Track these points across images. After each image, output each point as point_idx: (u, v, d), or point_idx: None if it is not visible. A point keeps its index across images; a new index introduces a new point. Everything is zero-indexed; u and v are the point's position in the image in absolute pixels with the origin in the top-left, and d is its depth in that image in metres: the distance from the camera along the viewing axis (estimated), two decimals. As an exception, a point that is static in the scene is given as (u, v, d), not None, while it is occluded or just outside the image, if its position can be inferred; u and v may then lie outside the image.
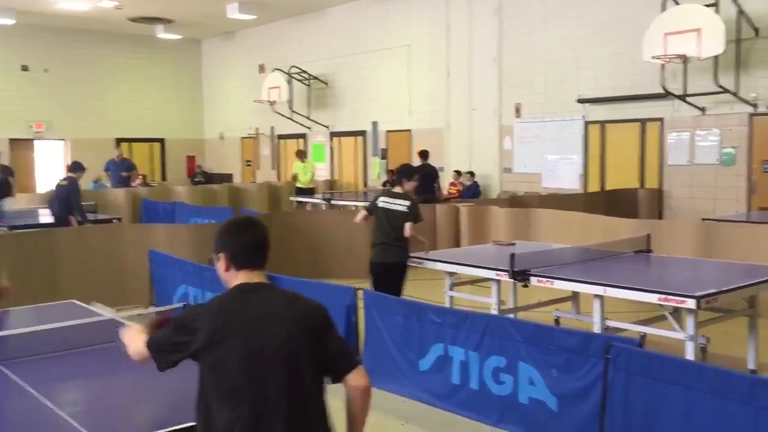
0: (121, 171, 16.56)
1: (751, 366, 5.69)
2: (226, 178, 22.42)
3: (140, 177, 18.49)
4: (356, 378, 2.55)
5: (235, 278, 2.58)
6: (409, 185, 6.83)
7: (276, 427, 2.35)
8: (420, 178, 11.42)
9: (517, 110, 15.07)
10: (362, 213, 7.12)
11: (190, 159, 24.45)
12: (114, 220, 11.77)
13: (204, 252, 8.19)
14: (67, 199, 10.68)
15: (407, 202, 6.66)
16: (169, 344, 2.51)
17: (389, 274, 6.64)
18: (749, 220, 9.47)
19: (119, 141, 21.97)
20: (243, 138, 22.92)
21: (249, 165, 22.87)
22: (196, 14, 19.96)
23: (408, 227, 6.56)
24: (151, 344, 2.57)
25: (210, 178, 22.60)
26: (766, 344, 6.09)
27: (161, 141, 23.90)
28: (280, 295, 2.58)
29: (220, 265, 2.63)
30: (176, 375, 3.42)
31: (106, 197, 15.10)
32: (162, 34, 21.36)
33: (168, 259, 7.82)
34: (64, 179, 11.14)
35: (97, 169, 17.23)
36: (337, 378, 2.56)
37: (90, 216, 11.41)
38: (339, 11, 19.17)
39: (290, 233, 10.16)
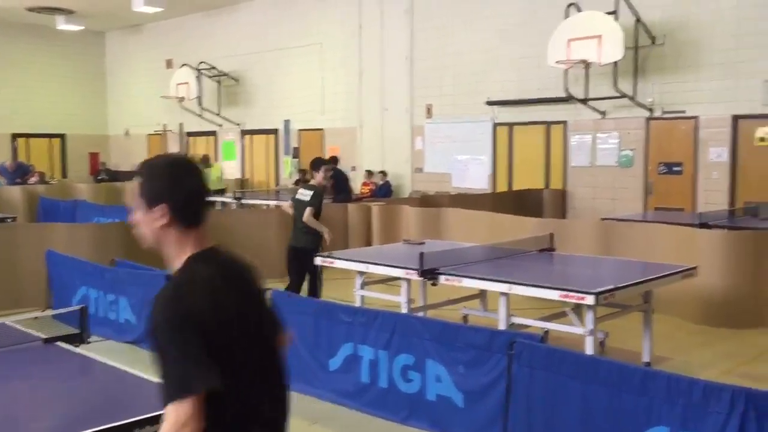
0: (16, 178, 15.75)
1: (645, 359, 5.96)
2: (132, 175, 21.61)
3: (37, 174, 17.62)
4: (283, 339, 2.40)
5: (186, 240, 2.07)
6: (318, 176, 7.47)
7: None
8: (335, 181, 11.74)
9: (429, 111, 15.27)
10: (287, 203, 7.92)
11: (94, 156, 23.51)
12: (8, 220, 11.17)
13: (107, 252, 7.89)
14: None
15: (311, 192, 7.36)
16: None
17: (299, 257, 7.23)
18: (645, 219, 9.93)
19: (15, 136, 20.87)
20: (150, 135, 22.24)
21: (156, 162, 22.17)
22: (99, 5, 19.20)
23: (306, 212, 7.20)
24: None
25: (115, 175, 21.80)
26: (660, 338, 6.41)
27: (62, 137, 22.87)
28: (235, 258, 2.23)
29: (155, 221, 2.06)
30: (76, 381, 3.27)
31: (-1, 195, 14.33)
32: (63, 25, 20.42)
33: (67, 260, 7.48)
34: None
35: (-10, 166, 16.32)
36: None
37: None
38: (250, 7, 18.88)
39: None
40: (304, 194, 7.40)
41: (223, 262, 2.15)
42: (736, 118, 11.17)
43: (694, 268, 6.06)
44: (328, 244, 7.23)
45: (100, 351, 3.93)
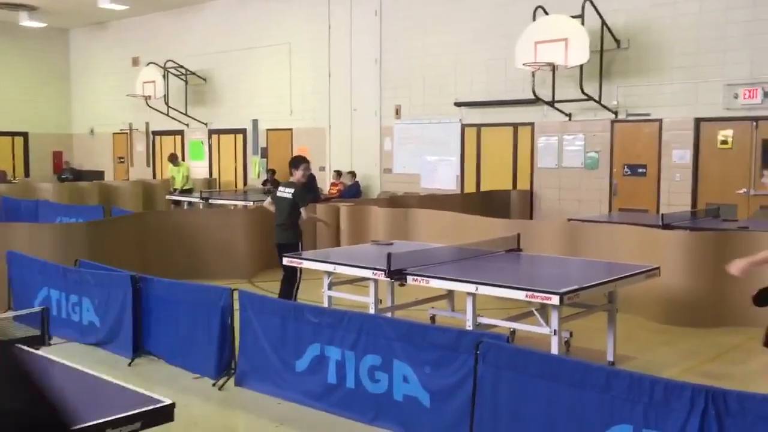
0: None
1: (609, 358, 6.04)
2: (97, 175, 21.36)
3: (-2, 173, 17.28)
4: None
5: None
6: (298, 174, 7.68)
7: None
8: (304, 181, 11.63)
9: (397, 112, 15.30)
10: (268, 200, 8.07)
11: (57, 155, 23.11)
12: (-32, 220, 10.92)
13: (70, 252, 7.75)
14: None
15: (292, 189, 7.58)
16: None
17: (281, 253, 7.29)
18: (610, 220, 10.08)
19: (-24, 134, 20.42)
20: (115, 134, 21.94)
21: (122, 162, 21.91)
22: (63, 2, 18.88)
23: (303, 212, 7.47)
24: None
25: (79, 175, 21.49)
26: (623, 337, 6.50)
27: (24, 135, 22.43)
28: None
29: None
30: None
31: (-41, 194, 14.00)
32: (26, 21, 20.03)
33: (28, 260, 7.33)
34: None
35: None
36: None
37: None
38: (217, 6, 18.73)
39: (165, 233, 9.82)
40: (285, 192, 7.62)
41: None
42: (698, 121, 11.39)
43: (657, 268, 6.16)
44: (329, 227, 7.76)
45: (62, 353, 3.87)
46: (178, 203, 15.24)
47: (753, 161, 10.92)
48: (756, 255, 4.55)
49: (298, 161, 7.85)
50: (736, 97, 10.94)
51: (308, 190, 14.09)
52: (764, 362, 5.86)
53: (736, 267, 4.47)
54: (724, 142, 11.19)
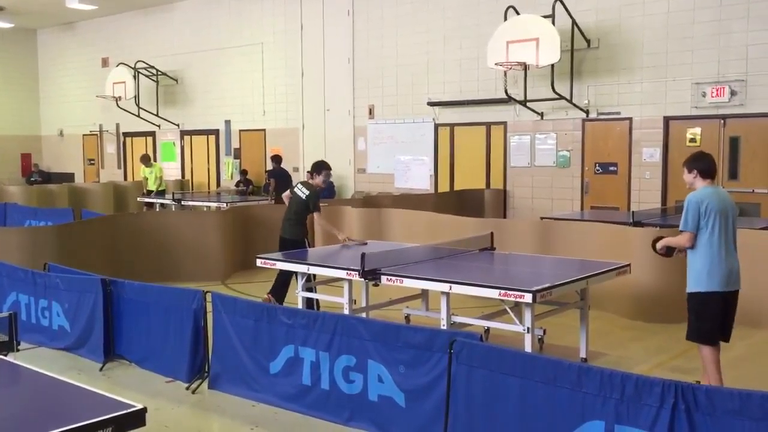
0: None
1: (582, 354, 6.10)
2: (67, 177, 21.07)
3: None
4: None
5: None
6: (318, 179, 7.77)
7: None
8: (277, 182, 11.80)
9: (371, 111, 15.31)
10: (286, 193, 8.09)
11: (25, 157, 22.74)
12: (-66, 224, 10.71)
13: (39, 256, 7.63)
14: None
15: (308, 192, 7.69)
16: None
17: (287, 248, 7.46)
18: (582, 218, 10.17)
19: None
20: (85, 135, 21.65)
21: (92, 164, 21.64)
22: (30, 2, 18.58)
23: (315, 217, 7.68)
24: None
25: (48, 177, 21.18)
26: (596, 334, 6.57)
27: (-9, 137, 22.06)
28: None
29: None
30: (5, 391, 3.16)
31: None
32: (-9, 21, 19.71)
33: (-4, 265, 7.20)
34: None
35: None
36: None
37: None
38: (188, 5, 18.58)
39: (137, 236, 9.71)
40: (303, 191, 7.75)
41: None
42: (667, 120, 11.55)
43: (628, 265, 6.24)
44: (343, 241, 7.59)
45: (31, 359, 3.81)
46: (150, 205, 15.08)
47: (721, 159, 11.09)
48: (677, 242, 5.28)
49: (320, 166, 7.85)
50: (703, 95, 11.12)
51: (281, 190, 14.11)
52: (730, 357, 5.97)
53: (663, 245, 5.33)
54: (693, 140, 11.36)
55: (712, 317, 5.07)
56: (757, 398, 3.22)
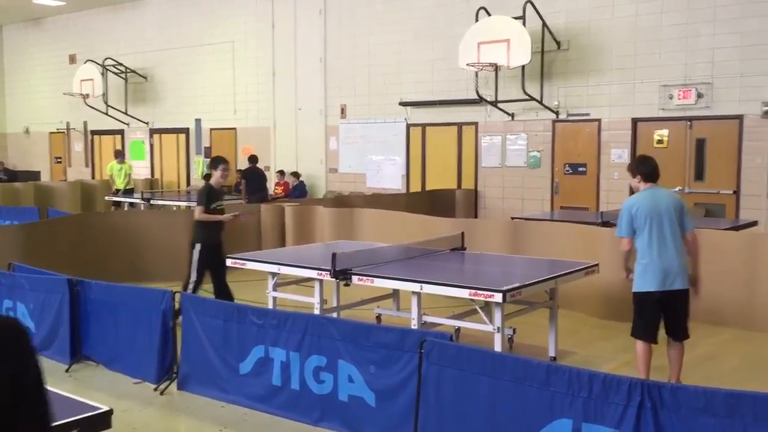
0: None
1: (551, 353, 6.16)
2: (33, 175, 20.69)
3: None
4: None
5: None
6: (215, 174, 7.42)
7: None
8: (248, 182, 11.64)
9: (343, 111, 15.28)
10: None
11: (-10, 155, 22.29)
12: None
13: (4, 256, 7.48)
14: None
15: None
16: None
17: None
18: (552, 218, 10.26)
19: None
20: (52, 133, 21.30)
21: (59, 162, 21.29)
22: (-5, -4, 18.24)
23: (195, 212, 7.34)
24: None
25: (14, 175, 20.76)
26: (565, 333, 6.63)
27: (-45, 134, 21.59)
28: None
29: None
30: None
31: None
32: (-45, 16, 19.29)
33: (-41, 265, 7.05)
34: None
35: None
36: None
37: None
38: (157, 2, 18.36)
39: (104, 235, 9.57)
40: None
41: None
42: (635, 121, 11.71)
43: (596, 264, 6.31)
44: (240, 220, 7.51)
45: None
46: (118, 204, 14.87)
47: (687, 160, 11.28)
48: (623, 257, 5.44)
49: (215, 161, 7.58)
50: (671, 97, 11.28)
51: (254, 190, 14.05)
52: (695, 355, 6.06)
53: (627, 273, 5.43)
54: (660, 141, 11.52)
55: (646, 316, 5.22)
56: (722, 396, 3.28)
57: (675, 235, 5.22)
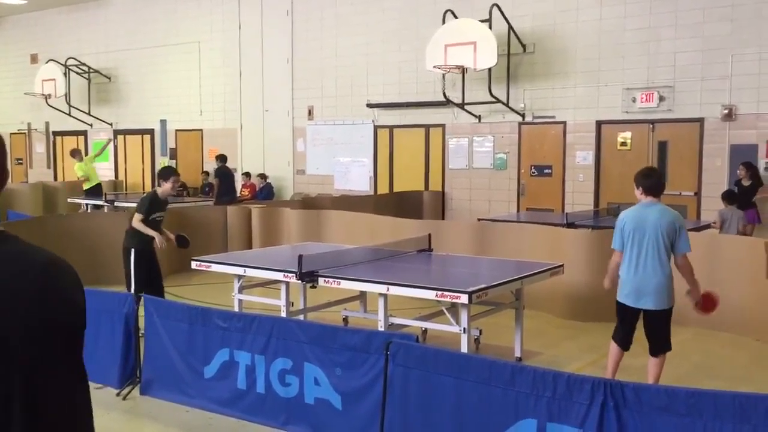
0: None
1: (517, 354, 6.20)
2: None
3: None
4: None
5: None
6: (165, 185, 7.10)
7: None
8: (221, 181, 11.49)
9: (310, 112, 15.22)
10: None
11: (-52, 156, 21.73)
12: None
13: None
14: None
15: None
16: None
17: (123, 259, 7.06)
18: (518, 220, 10.34)
19: None
20: (13, 134, 20.83)
21: (20, 163, 20.86)
22: (-47, -6, 17.81)
23: (134, 218, 6.99)
24: None
25: (-28, 177, 20.26)
26: (530, 334, 6.68)
27: None
28: None
29: None
30: None
31: None
32: None
33: None
34: None
35: None
36: None
37: None
38: (122, 1, 18.11)
39: (66, 238, 9.39)
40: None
41: None
42: (599, 124, 11.87)
43: (561, 265, 6.37)
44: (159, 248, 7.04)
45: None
46: (97, 193, 14.46)
47: (650, 162, 11.46)
48: (610, 268, 5.43)
49: (164, 173, 7.27)
50: (633, 100, 11.47)
51: (224, 192, 13.93)
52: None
53: (607, 283, 5.49)
54: (624, 143, 11.70)
55: (620, 322, 5.35)
56: (682, 395, 3.33)
57: (657, 254, 5.01)
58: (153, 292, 6.94)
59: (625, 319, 5.30)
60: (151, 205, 7.05)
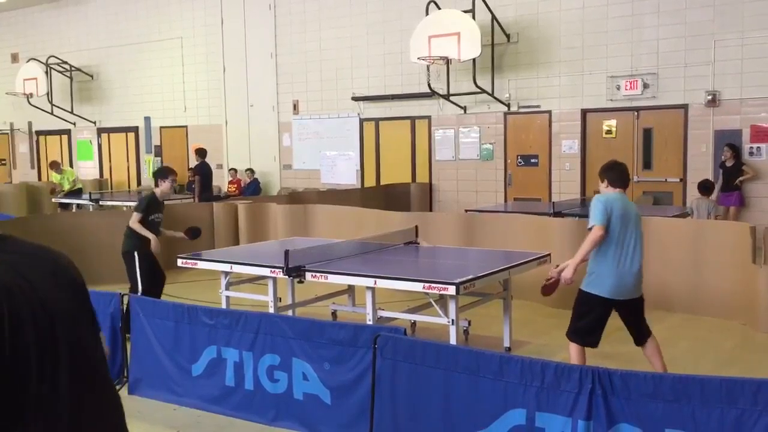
0: None
1: (506, 344, 6.20)
2: (-25, 178, 20.05)
3: None
4: None
5: None
6: (163, 185, 7.11)
7: None
8: (203, 178, 11.35)
9: (295, 107, 15.16)
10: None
11: (-70, 158, 21.51)
12: None
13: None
14: None
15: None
16: None
17: (123, 262, 7.00)
18: (506, 210, 10.35)
19: None
20: (-5, 134, 20.66)
21: (3, 164, 20.67)
22: (-70, -7, 17.58)
23: (132, 218, 6.98)
24: None
25: (-45, 179, 20.09)
26: (519, 323, 6.69)
27: None
28: None
29: None
30: None
31: None
32: None
33: None
34: None
35: None
36: None
37: None
38: (103, -1, 17.94)
39: (51, 238, 9.30)
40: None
41: None
42: (584, 112, 11.88)
43: (548, 254, 6.37)
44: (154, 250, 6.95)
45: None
46: (66, 206, 14.47)
47: (635, 149, 11.50)
48: (586, 247, 4.92)
49: (162, 172, 7.25)
50: (618, 88, 11.48)
51: (206, 187, 13.80)
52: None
53: (566, 277, 5.06)
54: (609, 131, 11.72)
55: (590, 320, 4.95)
56: (669, 381, 3.34)
57: (637, 244, 4.94)
58: (158, 290, 6.98)
59: (602, 316, 4.90)
60: (150, 206, 7.03)
